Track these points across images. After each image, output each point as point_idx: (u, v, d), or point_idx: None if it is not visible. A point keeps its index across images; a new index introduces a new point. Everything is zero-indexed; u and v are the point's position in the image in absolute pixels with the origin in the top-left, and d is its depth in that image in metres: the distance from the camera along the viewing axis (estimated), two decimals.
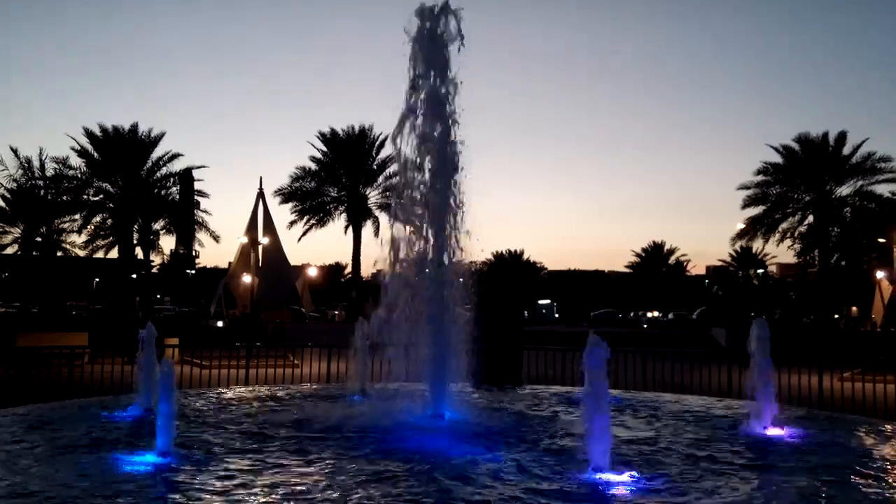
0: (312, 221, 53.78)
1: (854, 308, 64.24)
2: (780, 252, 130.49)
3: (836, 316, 55.88)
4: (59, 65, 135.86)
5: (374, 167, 52.04)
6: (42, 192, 49.85)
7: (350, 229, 52.39)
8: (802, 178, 49.15)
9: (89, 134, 48.80)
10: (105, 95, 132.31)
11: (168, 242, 55.57)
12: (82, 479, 5.27)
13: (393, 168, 9.15)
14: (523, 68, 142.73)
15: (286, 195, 53.66)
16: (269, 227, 53.99)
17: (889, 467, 5.99)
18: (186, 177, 50.31)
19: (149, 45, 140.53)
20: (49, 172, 49.15)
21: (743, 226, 52.43)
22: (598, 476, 5.31)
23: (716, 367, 14.59)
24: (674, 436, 7.38)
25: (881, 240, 46.92)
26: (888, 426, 8.35)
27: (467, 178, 8.66)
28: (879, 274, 49.24)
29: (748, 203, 50.73)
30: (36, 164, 49.23)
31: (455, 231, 8.57)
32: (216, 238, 53.04)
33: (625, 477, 5.33)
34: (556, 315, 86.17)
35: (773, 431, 7.48)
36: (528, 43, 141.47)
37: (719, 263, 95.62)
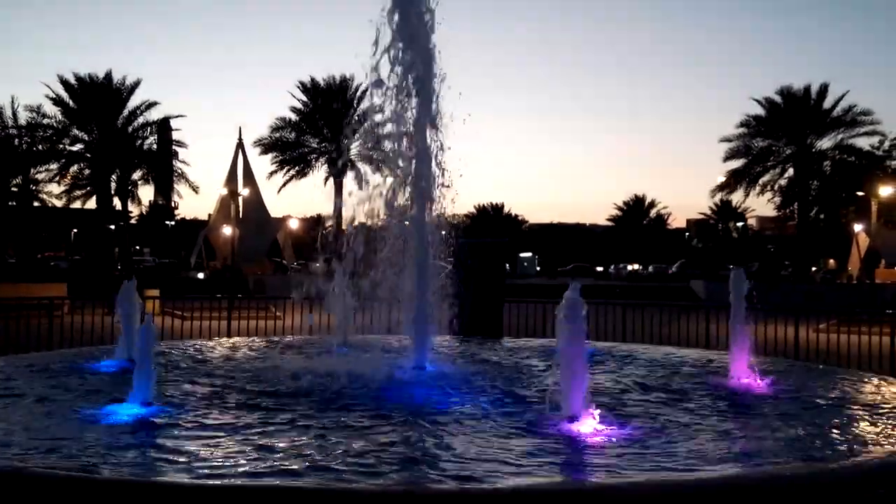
0: (293, 172, 53.42)
1: (832, 261, 65.10)
2: (759, 205, 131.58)
3: (814, 268, 56.58)
4: (29, 8, 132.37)
5: (357, 118, 51.47)
6: (16, 140, 48.96)
7: (331, 180, 52.01)
8: (784, 131, 49.30)
9: (64, 82, 47.88)
10: (78, 42, 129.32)
11: (146, 193, 55.14)
12: (62, 429, 5.27)
13: (377, 117, 9.03)
14: (504, 22, 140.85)
15: (266, 146, 53.17)
16: (250, 178, 53.57)
17: (861, 414, 6.12)
18: (164, 126, 49.65)
19: None
20: (23, 121, 48.26)
21: (724, 178, 52.80)
22: (574, 424, 5.38)
23: (694, 319, 14.78)
24: (650, 385, 7.48)
25: (860, 193, 47.32)
26: (862, 376, 8.51)
27: (448, 127, 8.57)
28: (857, 227, 49.81)
29: (729, 156, 50.98)
30: (8, 112, 48.30)
31: (435, 181, 8.51)
32: (195, 189, 52.63)
33: (601, 425, 5.41)
34: (538, 268, 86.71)
35: (748, 381, 7.60)
36: None
37: (699, 216, 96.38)
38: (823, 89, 49.23)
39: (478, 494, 4.05)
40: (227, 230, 50.05)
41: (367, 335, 10.13)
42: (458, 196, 8.71)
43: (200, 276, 48.85)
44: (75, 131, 48.79)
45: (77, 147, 49.16)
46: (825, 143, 49.77)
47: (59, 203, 53.24)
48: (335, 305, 9.90)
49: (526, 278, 63.33)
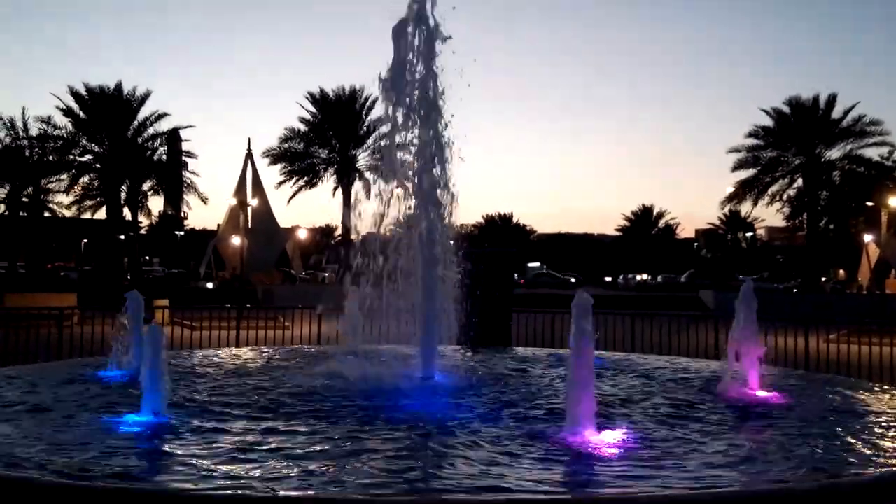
0: (301, 183, 53.49)
1: (841, 271, 64.75)
2: (769, 215, 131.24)
3: (823, 279, 56.29)
4: (40, 21, 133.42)
5: (365, 129, 51.64)
6: (28, 151, 49.29)
7: (339, 191, 52.15)
8: (793, 142, 49.14)
9: (74, 93, 48.19)
10: (88, 54, 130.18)
11: (156, 203, 55.33)
12: (74, 438, 5.28)
13: (383, 129, 9.18)
14: (512, 32, 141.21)
15: (275, 156, 53.27)
16: (259, 188, 53.70)
17: (873, 426, 6.09)
18: (173, 137, 49.88)
19: (134, 2, 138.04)
20: (33, 132, 48.59)
21: (733, 189, 52.58)
22: (581, 435, 5.37)
23: (703, 329, 14.72)
24: (658, 396, 7.46)
25: (869, 203, 47.07)
26: (873, 386, 8.46)
27: (457, 139, 8.60)
28: (867, 237, 49.53)
29: (738, 166, 50.79)
30: (20, 123, 48.65)
31: (445, 192, 8.53)
32: (204, 199, 52.77)
33: (607, 435, 5.39)
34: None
35: (758, 392, 7.56)
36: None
37: (708, 226, 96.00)
38: (832, 100, 49.12)
39: None
40: (236, 240, 50.17)
41: (376, 345, 10.13)
42: (467, 206, 8.72)
43: (209, 286, 48.95)
44: (85, 142, 49.07)
45: (87, 158, 49.44)
46: (834, 154, 49.61)
47: (69, 213, 53.53)
48: (346, 315, 9.92)
49: (534, 288, 63.12)
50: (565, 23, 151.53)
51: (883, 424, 6.18)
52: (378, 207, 8.55)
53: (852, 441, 5.53)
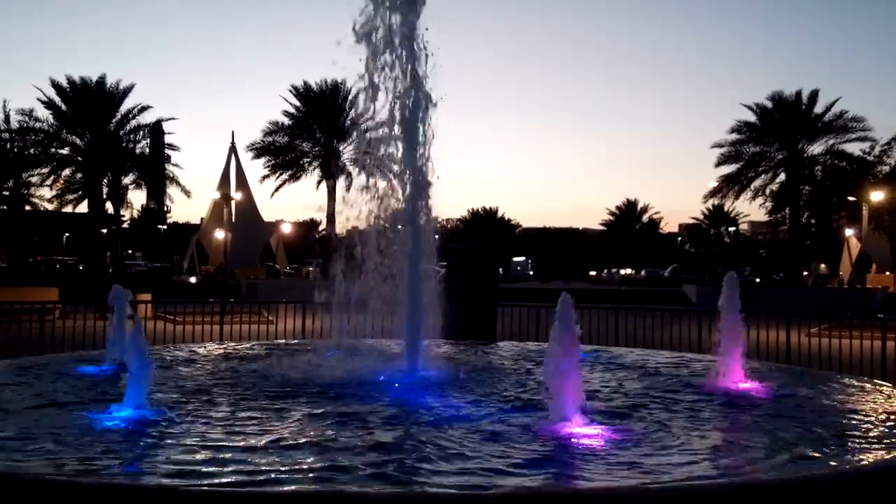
0: (285, 177, 53.31)
1: (823, 265, 65.36)
2: (751, 210, 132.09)
3: (805, 273, 56.78)
4: (22, 13, 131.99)
5: (349, 122, 51.45)
6: (8, 144, 48.78)
7: (324, 185, 51.99)
8: (776, 137, 49.46)
9: (56, 85, 47.72)
10: (71, 46, 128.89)
11: (138, 197, 54.89)
12: (55, 433, 5.25)
13: (366, 122, 9.14)
14: (497, 32, 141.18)
15: (259, 150, 53.03)
16: (242, 182, 53.50)
17: (850, 418, 6.15)
18: (156, 130, 49.54)
19: None
20: (14, 125, 48.09)
21: (716, 184, 52.97)
22: (566, 428, 5.39)
23: (686, 323, 14.82)
24: (643, 389, 7.50)
25: (851, 198, 47.47)
26: (853, 380, 8.54)
27: (443, 131, 8.60)
28: (848, 232, 49.99)
29: (722, 161, 51.12)
30: (0, 116, 48.14)
31: (428, 185, 8.53)
32: (188, 193, 52.47)
33: (593, 428, 5.42)
34: (531, 272, 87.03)
35: (741, 385, 7.63)
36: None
37: (692, 221, 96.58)
38: (814, 95, 49.48)
39: (470, 498, 4.06)
40: (220, 234, 49.93)
41: (361, 339, 10.14)
42: (453, 200, 8.74)
43: (192, 280, 48.72)
44: (67, 135, 48.60)
45: (69, 151, 48.98)
46: (816, 149, 50.01)
47: (50, 207, 53.02)
48: (331, 308, 9.90)
49: (519, 282, 63.31)
50: (552, 20, 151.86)
51: (860, 418, 6.25)
52: (362, 201, 8.55)
53: (831, 434, 5.59)
